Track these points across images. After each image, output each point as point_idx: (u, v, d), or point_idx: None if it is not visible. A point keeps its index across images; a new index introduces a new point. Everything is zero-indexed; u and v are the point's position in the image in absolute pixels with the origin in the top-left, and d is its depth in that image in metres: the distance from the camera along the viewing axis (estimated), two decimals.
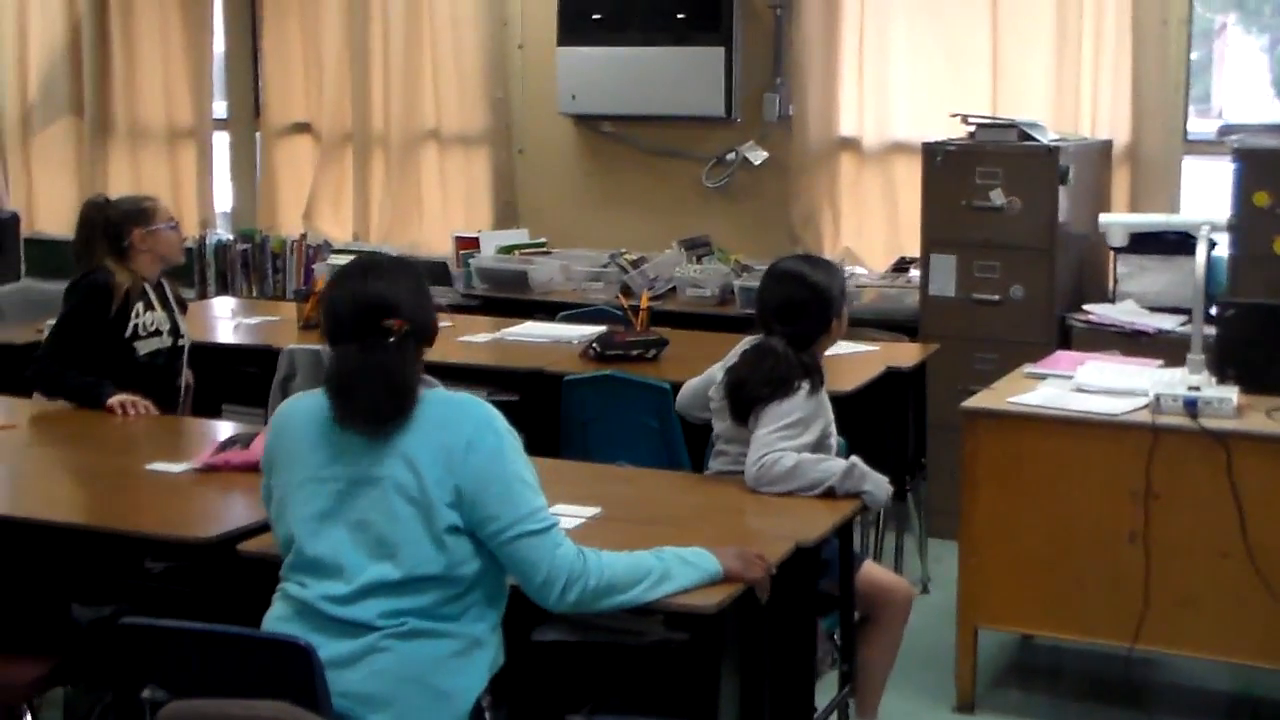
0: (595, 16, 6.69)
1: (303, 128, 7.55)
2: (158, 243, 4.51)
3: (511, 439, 2.72)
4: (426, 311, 2.82)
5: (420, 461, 2.65)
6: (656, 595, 2.81)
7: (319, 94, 7.43)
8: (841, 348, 5.08)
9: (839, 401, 4.41)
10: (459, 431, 2.66)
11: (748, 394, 3.68)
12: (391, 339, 2.69)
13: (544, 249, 6.79)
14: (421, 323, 2.78)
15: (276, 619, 2.72)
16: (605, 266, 6.47)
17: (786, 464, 3.52)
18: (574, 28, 6.74)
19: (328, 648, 2.60)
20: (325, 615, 2.65)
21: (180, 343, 4.61)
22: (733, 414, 3.72)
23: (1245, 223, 5.30)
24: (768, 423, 3.58)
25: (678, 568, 2.85)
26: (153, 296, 4.54)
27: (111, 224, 4.47)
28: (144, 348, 4.47)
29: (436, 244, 7.10)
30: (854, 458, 3.59)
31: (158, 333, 4.52)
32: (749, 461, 3.56)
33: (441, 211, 7.25)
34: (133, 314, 4.45)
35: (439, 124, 7.21)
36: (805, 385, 3.63)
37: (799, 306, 3.74)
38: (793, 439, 3.55)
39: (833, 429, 3.73)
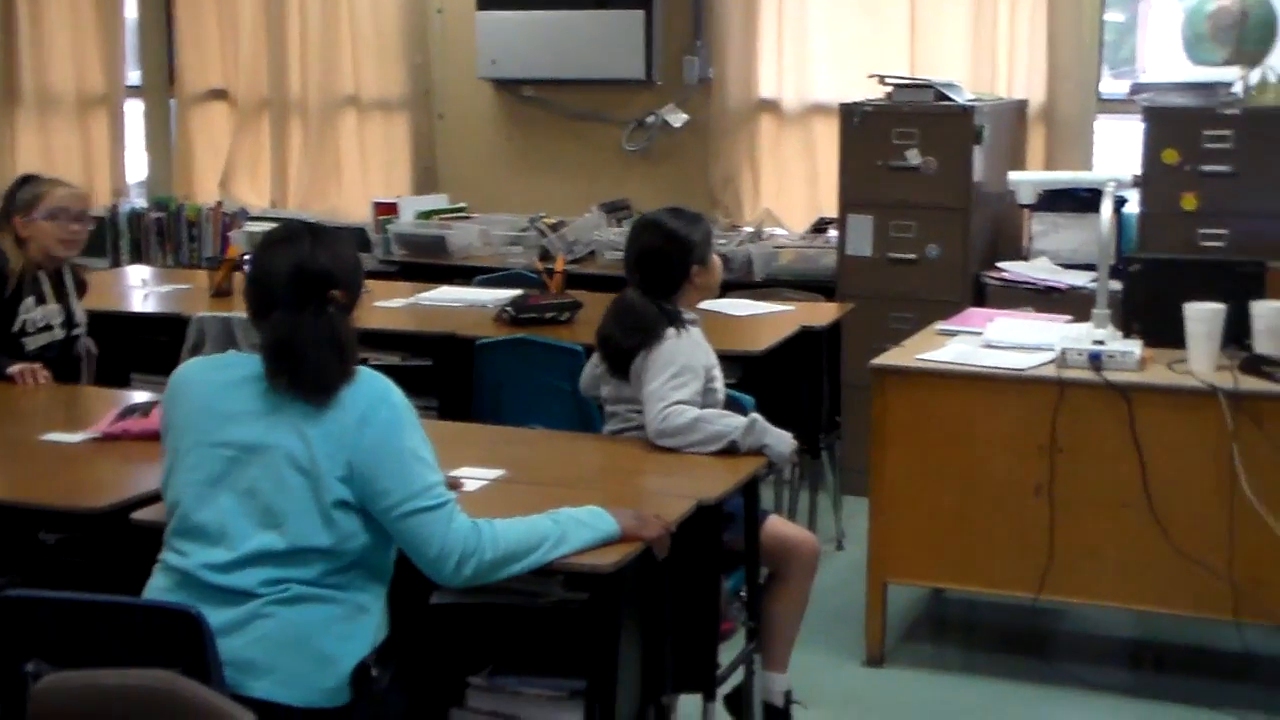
0: None
1: (219, 94, 7.50)
2: (36, 233, 4.34)
3: (407, 413, 2.70)
4: (360, 284, 2.83)
5: (313, 434, 2.64)
6: (553, 558, 2.82)
7: (235, 60, 7.37)
8: (758, 308, 5.15)
9: (751, 360, 4.49)
10: (353, 405, 2.65)
11: (614, 347, 3.73)
12: (332, 307, 2.69)
13: (464, 214, 6.78)
14: (357, 295, 2.80)
15: (157, 590, 2.70)
16: (524, 231, 6.48)
17: (689, 416, 3.55)
18: None
19: (210, 616, 2.58)
20: (206, 584, 2.64)
21: (75, 332, 4.50)
22: (610, 370, 3.76)
23: (1153, 180, 5.38)
24: (653, 376, 3.61)
25: (573, 529, 2.86)
26: (46, 287, 4.42)
27: (4, 206, 4.38)
28: (32, 343, 4.37)
29: (355, 210, 7.08)
30: (754, 414, 3.62)
31: (48, 327, 4.41)
32: (648, 416, 3.59)
33: (360, 177, 7.22)
34: (21, 309, 4.33)
35: (358, 90, 7.18)
36: (670, 331, 3.66)
37: (653, 254, 3.77)
38: (684, 387, 3.59)
39: (718, 372, 3.76)
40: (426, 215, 6.69)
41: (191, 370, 2.82)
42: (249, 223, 6.89)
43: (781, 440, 3.59)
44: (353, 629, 2.67)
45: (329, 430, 2.64)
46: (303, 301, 2.67)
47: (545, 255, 6.13)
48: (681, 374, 3.61)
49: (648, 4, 6.54)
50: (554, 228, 6.43)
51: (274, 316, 2.68)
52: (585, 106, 6.82)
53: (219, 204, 7.32)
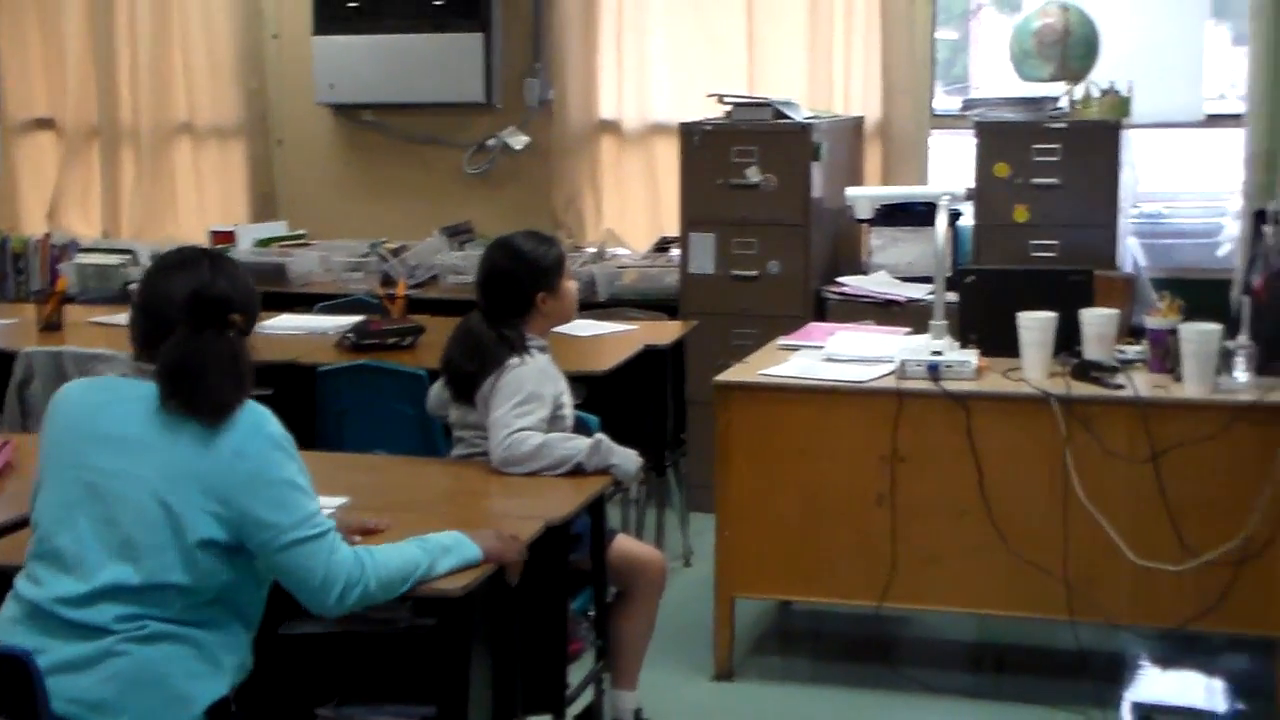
0: (351, 4, 6.66)
1: (45, 123, 7.36)
2: None
3: (283, 442, 2.68)
4: (257, 310, 2.82)
5: (185, 467, 2.61)
6: (421, 585, 2.84)
7: (61, 87, 7.23)
8: (601, 328, 5.19)
9: (595, 381, 4.52)
10: (227, 437, 2.62)
11: (457, 371, 3.74)
12: (232, 331, 2.67)
13: (303, 241, 6.73)
14: (254, 320, 2.79)
15: (6, 620, 2.65)
16: (365, 256, 6.45)
17: (533, 443, 3.57)
18: (330, 16, 6.71)
19: (60, 651, 2.55)
20: (58, 618, 2.59)
21: None
22: (454, 395, 3.77)
23: (986, 193, 5.54)
24: (500, 402, 3.62)
25: (440, 556, 2.87)
26: None
27: None
28: None
29: (191, 239, 6.92)
30: (599, 434, 3.66)
31: None
32: (493, 443, 3.61)
33: (196, 206, 7.14)
34: None
35: (191, 116, 7.10)
36: (514, 359, 3.67)
37: (500, 276, 3.77)
38: (530, 415, 3.60)
39: (566, 400, 3.78)
40: (265, 243, 6.63)
41: (72, 390, 2.78)
42: (79, 254, 6.76)
43: (627, 459, 3.63)
44: (210, 668, 2.64)
45: (203, 465, 2.61)
46: (202, 324, 2.65)
47: (387, 280, 6.11)
48: (527, 401, 3.62)
49: (486, 27, 6.58)
50: (395, 253, 6.42)
51: (171, 340, 2.64)
52: (425, 130, 6.83)
53: (47, 235, 7.16)
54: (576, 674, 3.63)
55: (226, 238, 6.64)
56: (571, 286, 3.87)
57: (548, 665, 3.43)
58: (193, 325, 2.65)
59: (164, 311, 2.67)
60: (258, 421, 2.66)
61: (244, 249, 6.55)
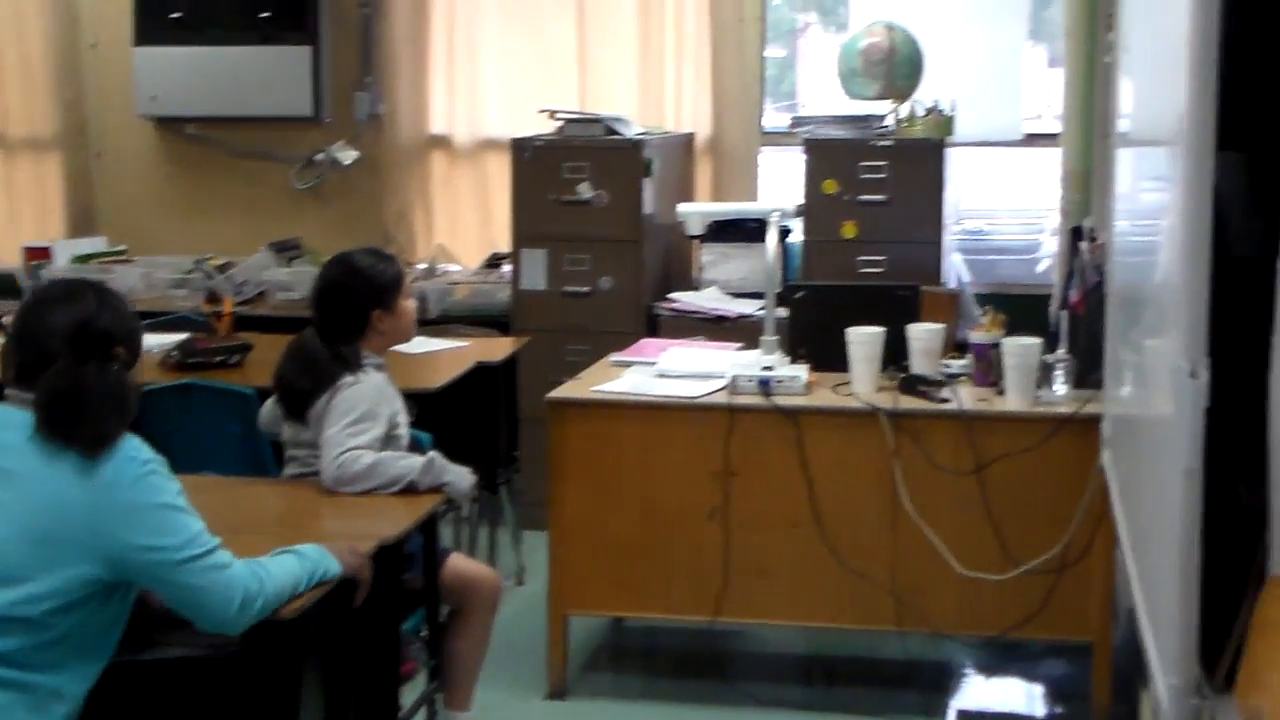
0: (174, 15, 6.53)
1: None
2: None
3: (157, 467, 2.67)
4: (140, 345, 2.82)
5: (59, 498, 2.58)
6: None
7: None
8: (433, 344, 5.16)
9: (427, 398, 4.49)
10: (103, 469, 2.60)
11: (289, 389, 3.70)
12: (115, 364, 2.67)
13: (124, 257, 6.58)
14: (137, 356, 2.79)
15: None
16: (190, 273, 6.33)
17: (365, 461, 3.54)
18: (151, 26, 6.56)
19: None
20: None
21: None
22: (286, 412, 3.73)
23: (815, 209, 5.64)
24: (333, 421, 3.59)
25: (310, 567, 2.89)
26: None
27: None
28: None
29: (3, 255, 6.79)
30: (433, 452, 3.64)
31: None
32: (324, 463, 3.57)
33: (9, 221, 6.93)
34: None
35: (4, 127, 6.89)
36: (349, 377, 3.65)
37: (334, 292, 3.74)
38: (363, 434, 3.57)
39: (402, 419, 3.76)
40: (84, 259, 6.46)
41: None
42: None
43: (461, 477, 3.62)
44: (38, 717, 2.58)
45: (81, 498, 2.57)
46: (85, 357, 2.63)
47: (213, 297, 5.95)
48: (361, 420, 3.59)
49: (315, 40, 6.50)
50: (221, 269, 6.31)
51: (52, 371, 2.61)
52: (252, 144, 6.73)
53: None
54: (409, 695, 3.61)
55: (41, 254, 6.45)
56: (410, 306, 3.85)
57: (380, 687, 3.40)
58: (75, 357, 2.64)
59: (45, 343, 2.66)
60: (129, 450, 2.65)
61: (60, 265, 6.37)
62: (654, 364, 4.60)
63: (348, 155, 6.65)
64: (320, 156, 6.67)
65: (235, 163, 6.75)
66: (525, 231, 5.88)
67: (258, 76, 6.52)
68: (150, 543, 2.61)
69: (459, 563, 3.85)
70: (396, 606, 3.49)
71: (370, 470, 3.53)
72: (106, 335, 2.68)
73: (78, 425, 2.60)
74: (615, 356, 4.81)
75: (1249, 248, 2.26)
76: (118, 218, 6.85)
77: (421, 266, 6.35)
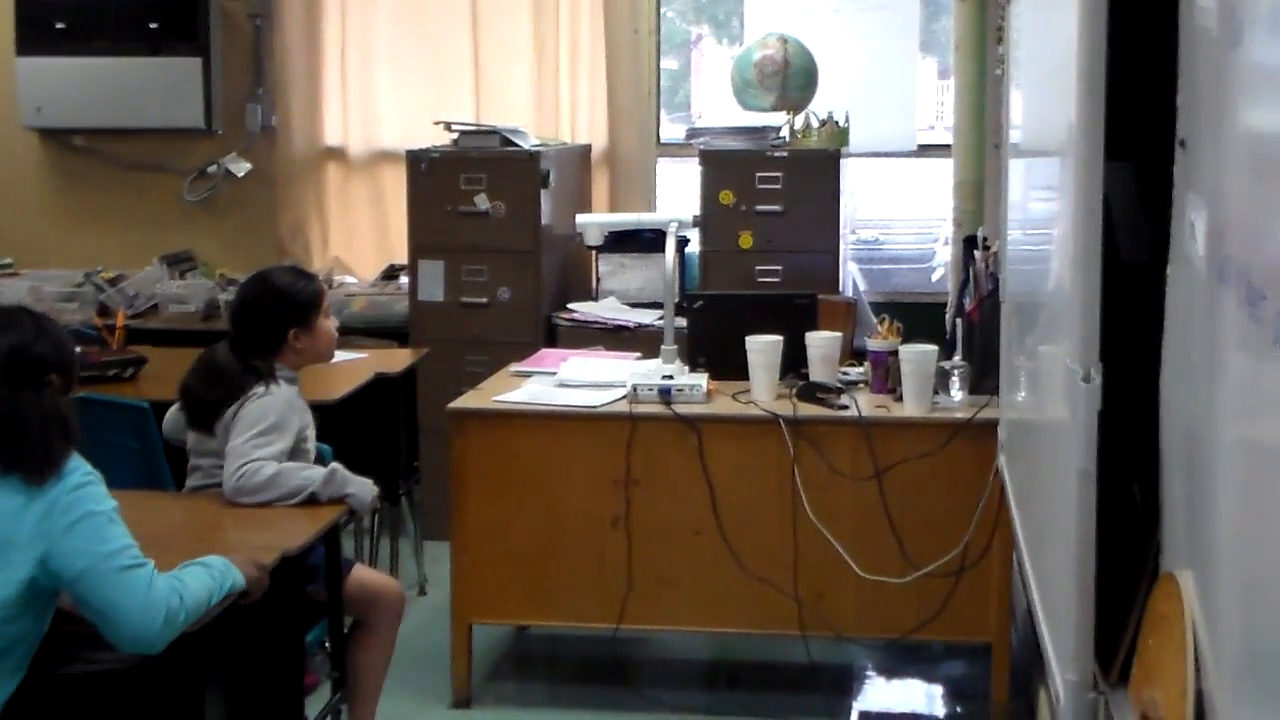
0: (59, 25, 6.45)
1: None
2: None
3: (96, 480, 2.74)
4: (76, 373, 2.87)
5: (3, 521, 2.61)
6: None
7: None
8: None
9: (326, 410, 4.48)
10: (46, 490, 2.65)
11: (193, 398, 3.69)
12: (49, 389, 2.71)
13: (10, 270, 6.49)
14: (72, 384, 2.83)
15: None
16: (80, 286, 6.26)
17: (267, 473, 3.53)
18: (35, 37, 6.46)
19: None
20: None
21: None
22: (191, 423, 3.71)
23: (712, 220, 5.70)
24: (240, 431, 3.58)
25: (221, 582, 2.90)
26: None
27: None
28: None
29: None
30: (334, 464, 3.64)
31: None
32: (226, 473, 3.56)
33: None
34: None
35: None
36: (260, 389, 3.64)
37: (251, 307, 3.75)
38: (268, 445, 3.57)
39: (310, 433, 3.76)
40: None
41: None
42: None
43: (363, 488, 3.62)
44: None
45: (24, 521, 2.62)
46: (18, 384, 2.67)
47: (104, 311, 5.94)
48: (269, 431, 3.58)
49: (205, 51, 6.46)
50: (113, 282, 6.25)
51: None
52: (143, 156, 6.66)
53: None
54: (313, 707, 3.59)
55: None
56: (329, 325, 3.86)
57: (284, 699, 3.39)
58: (9, 384, 2.67)
59: None
60: (73, 462, 2.71)
61: None
62: (554, 374, 4.62)
63: (241, 167, 6.61)
64: (213, 168, 6.62)
65: (125, 175, 6.68)
66: (422, 243, 5.88)
67: (147, 87, 6.46)
68: (88, 548, 2.66)
69: (362, 574, 3.85)
70: (300, 618, 3.48)
71: (271, 481, 3.53)
72: (40, 362, 2.71)
73: (19, 450, 2.64)
74: (515, 367, 4.83)
75: (1139, 253, 2.34)
76: (3, 231, 6.73)
77: (321, 282, 6.31)
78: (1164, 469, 2.03)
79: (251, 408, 3.61)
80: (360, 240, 6.57)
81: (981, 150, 5.71)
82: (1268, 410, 1.42)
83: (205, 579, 2.86)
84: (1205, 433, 1.72)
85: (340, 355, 5.13)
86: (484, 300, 5.83)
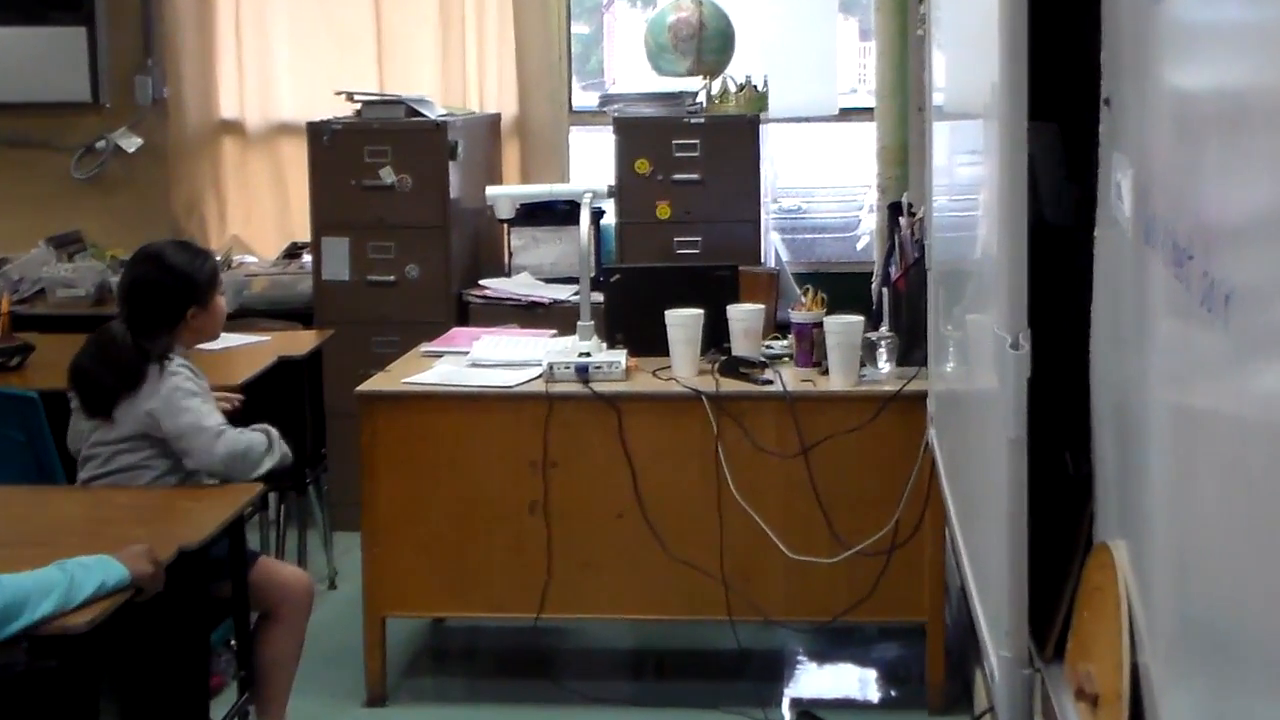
0: None
1: None
2: None
3: None
4: None
5: None
6: (66, 609, 2.80)
7: None
8: (231, 340, 5.08)
9: None
10: None
11: (90, 382, 3.66)
12: None
13: None
14: None
15: None
16: None
17: (246, 439, 3.66)
18: None
19: None
20: None
21: None
22: (87, 409, 3.68)
23: (628, 190, 5.70)
24: (177, 411, 3.62)
25: (82, 576, 2.83)
26: None
27: None
28: None
29: None
30: (263, 425, 3.73)
31: None
32: (199, 447, 3.61)
33: None
34: None
35: None
36: (157, 367, 3.64)
37: (147, 287, 3.75)
38: (215, 413, 3.68)
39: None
40: None
41: None
42: None
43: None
44: None
45: None
46: None
47: None
48: (205, 401, 3.67)
49: (90, 20, 6.37)
50: None
51: None
52: (25, 132, 6.54)
53: None
54: (219, 709, 3.57)
55: None
56: (221, 302, 3.90)
57: (187, 703, 3.37)
58: None
59: None
60: None
61: None
62: (466, 354, 4.61)
63: (131, 142, 6.52)
64: (101, 144, 6.53)
65: (7, 152, 6.56)
66: (325, 219, 5.84)
67: (29, 59, 6.37)
68: None
69: (268, 566, 3.83)
70: (203, 617, 3.46)
71: (250, 445, 3.60)
72: None
73: None
74: (426, 347, 4.81)
75: (1065, 217, 2.37)
76: None
77: (216, 258, 6.25)
78: (1095, 437, 2.06)
79: (171, 386, 3.62)
80: (260, 217, 6.51)
81: (905, 114, 5.74)
82: (1196, 374, 1.44)
83: (49, 576, 2.79)
84: (1135, 399, 1.75)
85: (241, 338, 5.12)
86: (391, 278, 5.80)
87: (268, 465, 3.68)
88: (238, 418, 3.89)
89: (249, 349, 5.01)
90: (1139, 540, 1.75)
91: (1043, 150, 2.36)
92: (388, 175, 5.78)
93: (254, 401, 4.57)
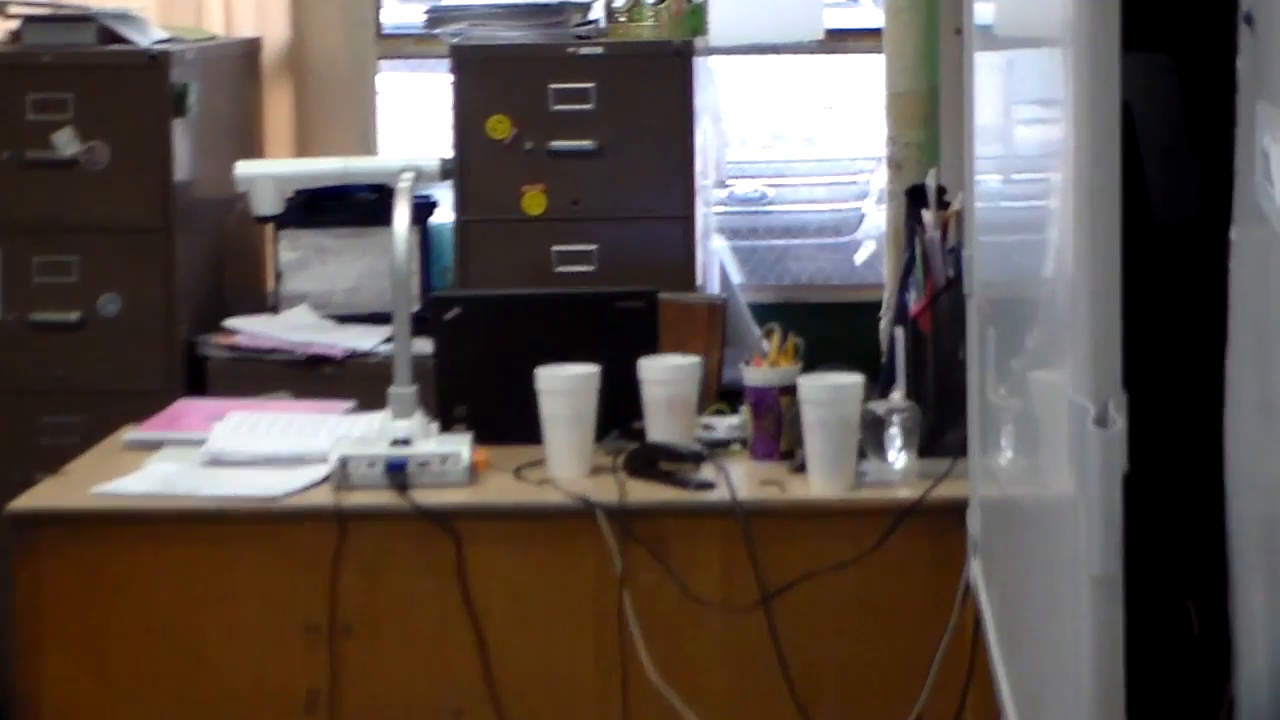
0: None
1: None
2: None
3: None
4: None
5: None
6: None
7: None
8: None
9: None
10: None
11: None
12: None
13: None
14: None
15: None
16: None
17: None
18: None
19: None
20: None
21: None
22: None
23: (475, 167, 5.70)
24: None
25: None
26: None
27: None
28: None
29: None
30: None
31: None
32: None
33: None
34: None
35: None
36: None
37: None
38: None
39: None
40: None
41: None
42: None
43: None
44: None
45: None
46: None
47: None
48: None
49: None
50: None
51: None
52: None
53: None
54: None
55: None
56: None
57: None
58: None
59: None
60: None
61: None
62: (201, 444, 4.59)
63: None
64: None
65: None
66: None
67: None
68: None
69: None
70: None
71: None
72: None
73: None
74: (132, 433, 4.78)
75: (1183, 205, 2.38)
76: None
77: None
78: (1234, 570, 2.05)
79: None
80: None
81: (934, 40, 5.79)
82: None
83: None
84: None
85: None
86: (73, 317, 5.80)
87: None
88: None
89: None
90: None
91: (1146, 98, 2.38)
92: (66, 141, 5.76)
93: None
